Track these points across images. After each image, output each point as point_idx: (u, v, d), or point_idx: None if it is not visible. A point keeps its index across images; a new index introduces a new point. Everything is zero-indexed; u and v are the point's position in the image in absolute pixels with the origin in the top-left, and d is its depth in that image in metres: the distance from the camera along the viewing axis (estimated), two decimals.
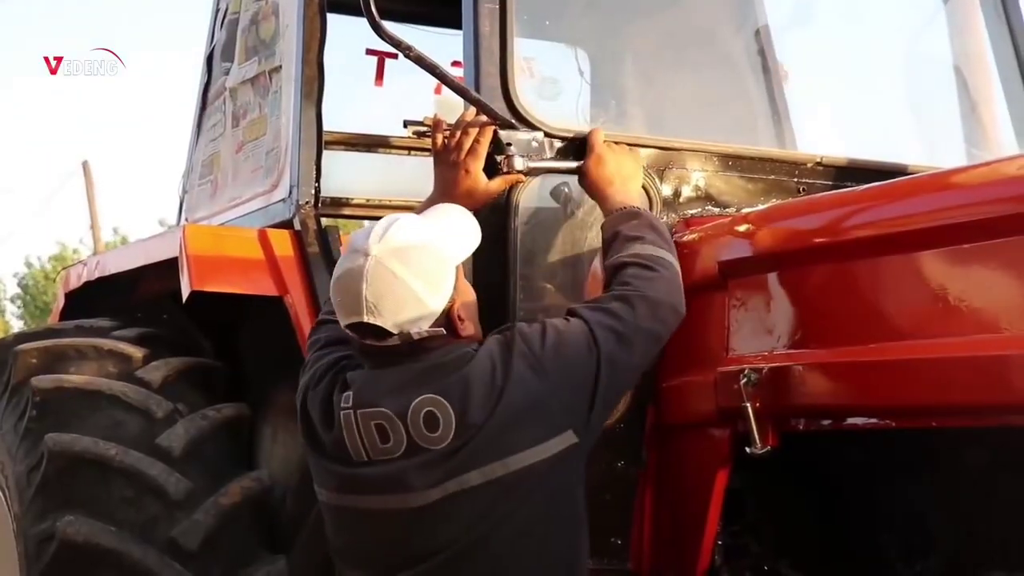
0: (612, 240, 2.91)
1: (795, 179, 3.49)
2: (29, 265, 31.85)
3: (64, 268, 5.82)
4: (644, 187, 3.18)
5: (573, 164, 3.10)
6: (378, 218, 2.77)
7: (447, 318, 2.64)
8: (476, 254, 3.00)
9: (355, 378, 2.70)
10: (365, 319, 2.59)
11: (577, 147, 3.15)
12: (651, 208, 3.18)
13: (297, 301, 3.74)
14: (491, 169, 3.01)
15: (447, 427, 2.55)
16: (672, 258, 2.87)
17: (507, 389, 2.55)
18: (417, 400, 2.57)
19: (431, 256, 2.64)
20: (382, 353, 2.65)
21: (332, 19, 4.15)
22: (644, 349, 2.74)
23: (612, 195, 3.01)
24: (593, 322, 2.66)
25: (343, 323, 2.69)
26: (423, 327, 2.60)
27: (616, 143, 3.16)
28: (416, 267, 2.60)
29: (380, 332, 2.60)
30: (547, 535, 2.62)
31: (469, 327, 2.70)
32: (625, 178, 3.06)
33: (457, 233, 2.78)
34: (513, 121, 3.10)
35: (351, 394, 2.67)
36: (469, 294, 2.76)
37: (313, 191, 4.01)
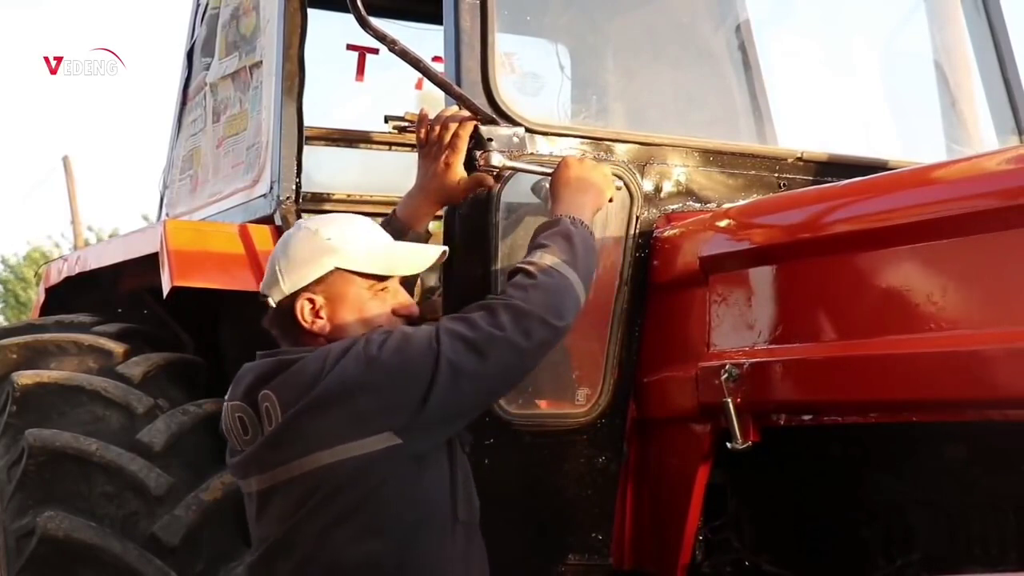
0: (529, 247, 2.81)
1: (776, 174, 3.49)
2: (5, 261, 31.67)
3: (44, 263, 5.80)
4: (625, 183, 3.17)
5: (548, 169, 3.01)
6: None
7: (291, 302, 2.67)
8: (458, 249, 3.00)
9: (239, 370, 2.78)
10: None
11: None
12: (631, 204, 3.18)
13: None
14: (472, 164, 3.01)
15: (275, 421, 2.57)
16: (569, 270, 2.68)
17: (322, 382, 2.50)
18: (261, 394, 2.60)
19: (305, 242, 2.71)
20: (267, 326, 2.77)
21: (313, 14, 4.15)
22: (501, 360, 2.56)
23: (558, 203, 2.90)
24: (443, 328, 2.57)
25: None
26: (272, 298, 2.70)
27: (593, 158, 3.10)
28: (287, 245, 2.73)
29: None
30: (359, 534, 2.52)
31: (321, 326, 2.67)
32: (579, 189, 2.92)
33: (363, 245, 2.72)
34: (494, 116, 3.09)
35: (231, 386, 2.75)
36: (350, 302, 2.69)
37: (294, 186, 4.02)
